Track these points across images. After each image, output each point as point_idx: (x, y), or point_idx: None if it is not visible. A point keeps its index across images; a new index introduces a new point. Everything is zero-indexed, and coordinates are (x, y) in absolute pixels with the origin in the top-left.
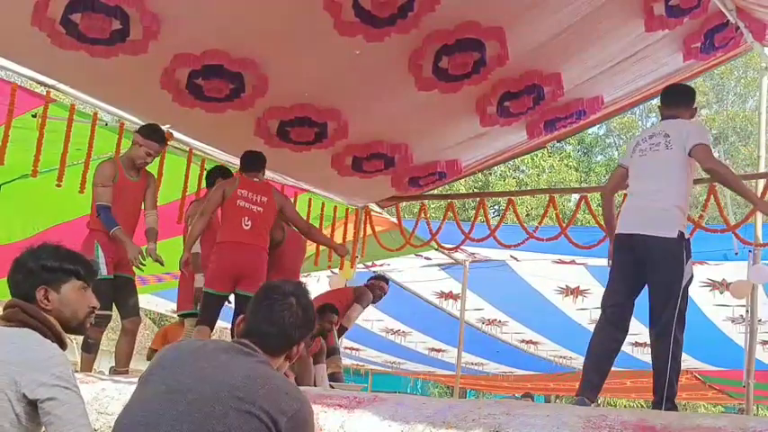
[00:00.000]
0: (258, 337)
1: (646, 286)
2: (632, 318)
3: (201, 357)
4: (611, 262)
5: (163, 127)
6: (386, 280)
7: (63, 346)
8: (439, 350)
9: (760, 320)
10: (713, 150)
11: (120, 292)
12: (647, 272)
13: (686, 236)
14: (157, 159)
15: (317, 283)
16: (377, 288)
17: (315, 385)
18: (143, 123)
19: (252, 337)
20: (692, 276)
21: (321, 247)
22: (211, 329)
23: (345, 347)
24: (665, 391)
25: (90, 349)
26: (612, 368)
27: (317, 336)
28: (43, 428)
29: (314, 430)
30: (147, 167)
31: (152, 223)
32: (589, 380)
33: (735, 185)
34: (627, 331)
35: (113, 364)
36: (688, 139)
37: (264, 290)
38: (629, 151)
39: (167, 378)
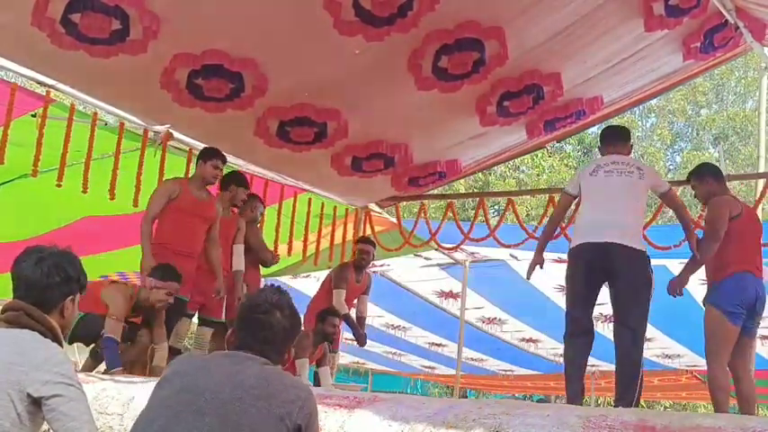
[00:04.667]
0: (251, 351)
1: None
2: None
3: (212, 364)
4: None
5: (163, 127)
6: (369, 242)
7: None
8: (439, 344)
9: None
10: (712, 151)
11: None
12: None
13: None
14: (157, 159)
15: (317, 283)
16: (359, 253)
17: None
18: (143, 123)
19: (245, 351)
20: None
21: (321, 247)
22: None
23: (345, 339)
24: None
25: (98, 357)
26: (612, 368)
27: (322, 342)
28: (44, 428)
29: None
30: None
31: None
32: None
33: None
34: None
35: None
36: None
37: (248, 307)
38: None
39: (183, 380)
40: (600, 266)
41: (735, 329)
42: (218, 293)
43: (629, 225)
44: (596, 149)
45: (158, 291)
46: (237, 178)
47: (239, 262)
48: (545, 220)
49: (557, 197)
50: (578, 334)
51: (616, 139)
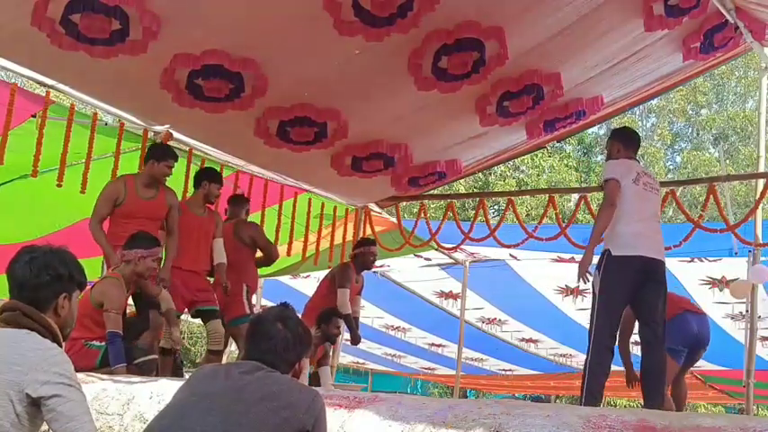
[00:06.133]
0: (258, 361)
1: None
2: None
3: (221, 373)
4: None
5: (163, 127)
6: (374, 243)
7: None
8: (439, 345)
9: (759, 317)
10: (713, 151)
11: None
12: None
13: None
14: None
15: (317, 283)
16: (367, 254)
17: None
18: (143, 123)
19: (253, 361)
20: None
21: (321, 247)
22: None
23: (344, 339)
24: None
25: None
26: (613, 367)
27: (324, 342)
28: (44, 428)
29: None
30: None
31: None
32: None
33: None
34: None
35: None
36: None
37: (253, 323)
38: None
39: (193, 388)
40: (644, 280)
41: (675, 365)
42: (161, 281)
43: (663, 244)
44: (596, 149)
45: (144, 260)
46: (210, 174)
47: (221, 255)
48: (545, 220)
49: (557, 197)
50: (613, 345)
51: (637, 145)
